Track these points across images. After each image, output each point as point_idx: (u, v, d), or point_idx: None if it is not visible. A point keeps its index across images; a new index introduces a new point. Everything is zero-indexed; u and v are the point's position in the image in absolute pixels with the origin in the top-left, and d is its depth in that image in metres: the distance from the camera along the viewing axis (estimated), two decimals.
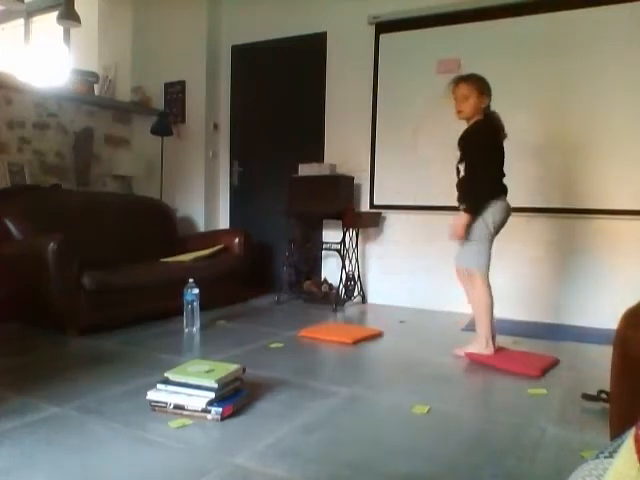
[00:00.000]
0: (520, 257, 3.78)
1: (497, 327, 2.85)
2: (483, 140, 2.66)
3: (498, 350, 2.75)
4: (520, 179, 3.78)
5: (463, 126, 2.74)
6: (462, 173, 2.74)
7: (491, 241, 2.71)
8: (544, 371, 2.52)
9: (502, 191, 2.73)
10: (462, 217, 2.67)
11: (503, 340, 2.94)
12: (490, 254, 2.73)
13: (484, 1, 3.83)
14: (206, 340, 3.10)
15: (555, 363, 2.67)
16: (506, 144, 2.82)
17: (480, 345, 2.72)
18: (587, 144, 3.60)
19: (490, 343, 2.71)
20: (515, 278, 3.75)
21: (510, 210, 2.75)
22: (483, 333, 2.71)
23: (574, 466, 0.83)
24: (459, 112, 2.72)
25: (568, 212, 3.68)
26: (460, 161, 2.74)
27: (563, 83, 3.66)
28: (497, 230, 2.71)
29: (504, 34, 3.82)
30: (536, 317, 3.75)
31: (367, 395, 2.22)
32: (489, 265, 2.73)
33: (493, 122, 2.71)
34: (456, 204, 2.79)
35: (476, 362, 2.67)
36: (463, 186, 2.74)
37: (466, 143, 2.71)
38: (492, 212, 2.66)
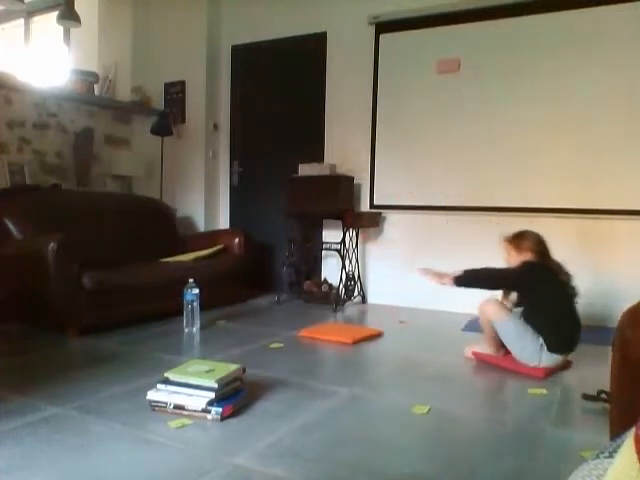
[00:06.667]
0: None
1: None
2: (524, 274, 2.65)
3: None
4: (521, 177, 3.79)
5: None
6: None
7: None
8: (549, 373, 2.50)
9: (558, 345, 2.55)
10: (447, 279, 2.68)
11: None
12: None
13: (484, 1, 3.83)
14: (206, 340, 3.10)
15: (566, 366, 2.64)
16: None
17: (491, 348, 2.72)
18: (587, 142, 3.60)
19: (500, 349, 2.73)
20: None
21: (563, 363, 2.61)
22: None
23: (574, 466, 0.83)
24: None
25: (568, 212, 3.67)
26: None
27: (563, 82, 3.65)
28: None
29: (504, 34, 3.82)
30: None
31: (367, 395, 2.21)
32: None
33: (537, 264, 2.66)
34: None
35: (483, 362, 2.66)
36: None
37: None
38: (543, 354, 2.54)
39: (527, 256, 2.69)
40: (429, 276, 2.79)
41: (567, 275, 2.65)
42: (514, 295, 2.78)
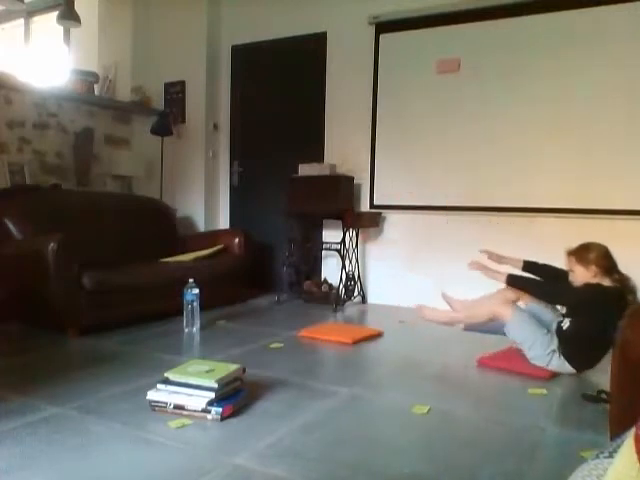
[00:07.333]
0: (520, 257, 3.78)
1: (498, 327, 2.85)
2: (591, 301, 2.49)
3: (510, 350, 2.76)
4: (521, 177, 3.79)
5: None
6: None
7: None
8: (553, 375, 2.48)
9: (582, 364, 2.49)
10: (501, 275, 2.66)
11: (504, 340, 2.93)
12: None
13: (484, 1, 3.83)
14: (206, 340, 3.10)
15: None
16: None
17: (447, 315, 2.84)
18: (587, 142, 3.60)
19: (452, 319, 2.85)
20: None
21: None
22: (460, 317, 2.83)
23: (574, 466, 0.83)
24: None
25: (568, 212, 3.67)
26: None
27: (563, 82, 3.65)
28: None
29: (504, 34, 3.82)
30: None
31: (367, 395, 2.21)
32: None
33: (608, 293, 2.47)
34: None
35: (488, 367, 2.63)
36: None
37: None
38: (554, 358, 2.48)
39: (593, 271, 2.51)
40: (484, 263, 2.76)
41: (634, 294, 2.48)
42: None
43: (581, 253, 2.58)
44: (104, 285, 3.18)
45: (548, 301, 2.69)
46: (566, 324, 2.55)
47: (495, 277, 2.71)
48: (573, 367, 2.48)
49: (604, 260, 2.53)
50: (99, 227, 3.78)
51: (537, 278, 2.78)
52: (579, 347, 2.47)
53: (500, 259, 2.93)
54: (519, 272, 2.84)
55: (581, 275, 2.56)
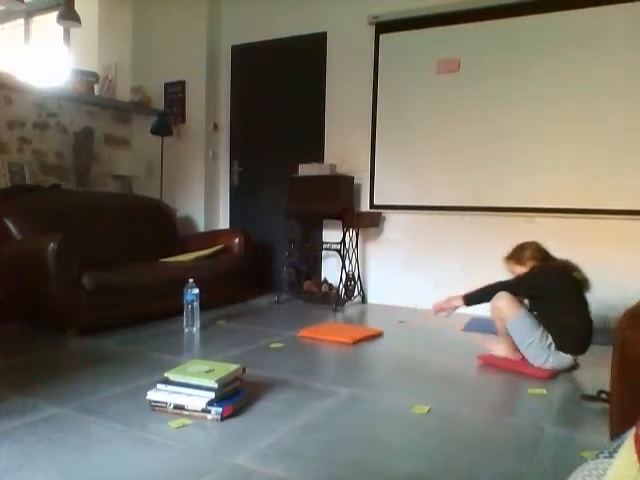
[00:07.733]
0: None
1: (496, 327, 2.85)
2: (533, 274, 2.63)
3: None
4: (521, 177, 3.80)
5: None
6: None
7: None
8: (553, 375, 2.49)
9: (573, 346, 2.53)
10: (457, 300, 2.69)
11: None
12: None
13: (484, 1, 3.83)
14: (206, 340, 3.10)
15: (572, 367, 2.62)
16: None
17: (509, 349, 2.71)
18: (587, 142, 3.60)
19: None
20: None
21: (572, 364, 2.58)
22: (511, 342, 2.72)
23: (574, 466, 0.83)
24: None
25: (568, 212, 3.67)
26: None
27: (563, 82, 3.65)
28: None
29: (504, 34, 3.82)
30: None
31: (367, 395, 2.21)
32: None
33: (547, 265, 2.64)
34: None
35: (488, 367, 2.64)
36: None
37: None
38: (551, 353, 2.52)
39: (530, 265, 2.66)
40: (441, 310, 2.78)
41: (578, 271, 2.60)
42: (526, 302, 2.71)
43: (517, 254, 2.72)
44: (104, 285, 3.18)
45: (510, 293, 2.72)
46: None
47: (455, 305, 2.73)
48: (570, 354, 2.52)
49: (537, 253, 2.69)
50: (99, 227, 3.78)
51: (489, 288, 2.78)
52: (559, 334, 2.51)
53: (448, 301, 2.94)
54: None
55: (519, 273, 2.69)
